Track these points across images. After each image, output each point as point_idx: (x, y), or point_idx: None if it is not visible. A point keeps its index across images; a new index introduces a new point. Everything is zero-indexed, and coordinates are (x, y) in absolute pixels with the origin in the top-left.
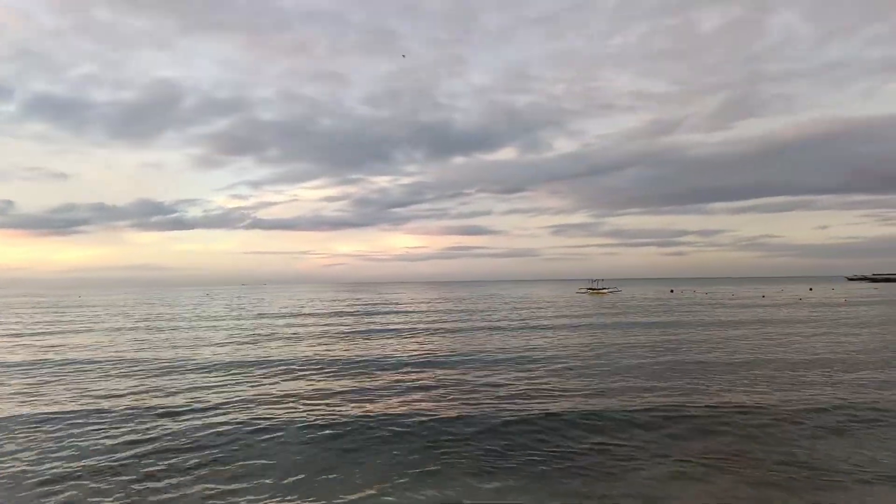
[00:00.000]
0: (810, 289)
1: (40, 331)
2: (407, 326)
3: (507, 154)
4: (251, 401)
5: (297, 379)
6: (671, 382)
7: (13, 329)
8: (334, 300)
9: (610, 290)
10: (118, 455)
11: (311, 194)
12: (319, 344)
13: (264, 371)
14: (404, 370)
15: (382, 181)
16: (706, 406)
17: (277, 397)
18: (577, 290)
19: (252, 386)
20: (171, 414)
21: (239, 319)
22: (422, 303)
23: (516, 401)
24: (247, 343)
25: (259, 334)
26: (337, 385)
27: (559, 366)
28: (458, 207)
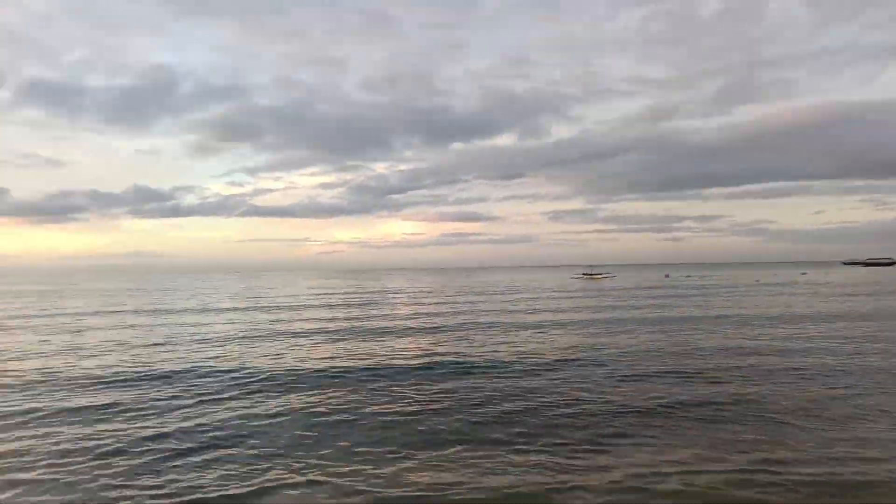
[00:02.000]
0: (803, 273)
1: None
2: (417, 324)
3: (505, 140)
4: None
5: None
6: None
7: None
8: (339, 291)
9: (605, 275)
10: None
11: (308, 181)
12: (333, 342)
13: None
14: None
15: (380, 167)
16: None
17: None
18: (571, 276)
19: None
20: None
21: (244, 312)
22: (432, 293)
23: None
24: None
25: (275, 329)
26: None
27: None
28: (455, 193)
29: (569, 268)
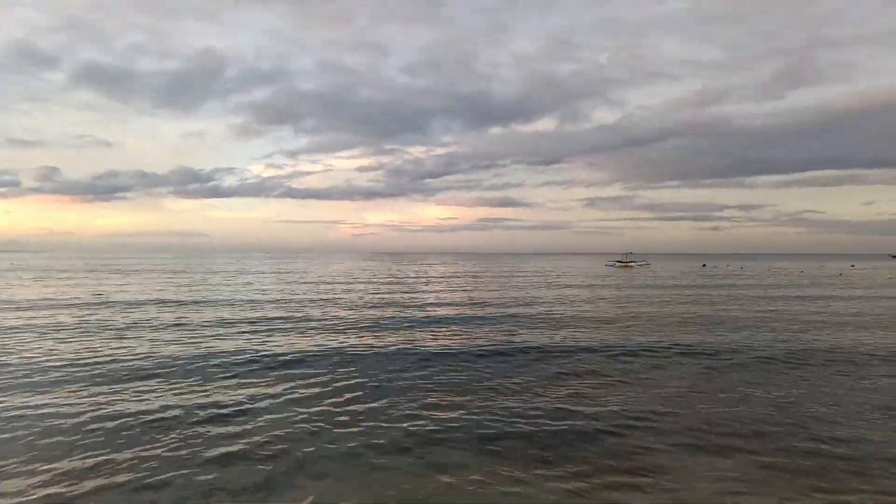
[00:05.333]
0: (852, 265)
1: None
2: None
3: (544, 125)
4: None
5: None
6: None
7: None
8: (383, 276)
9: (638, 263)
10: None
11: (346, 164)
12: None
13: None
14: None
15: (417, 151)
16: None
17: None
18: (605, 262)
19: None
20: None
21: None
22: (475, 278)
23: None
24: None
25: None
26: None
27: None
28: (491, 179)
29: (605, 255)
